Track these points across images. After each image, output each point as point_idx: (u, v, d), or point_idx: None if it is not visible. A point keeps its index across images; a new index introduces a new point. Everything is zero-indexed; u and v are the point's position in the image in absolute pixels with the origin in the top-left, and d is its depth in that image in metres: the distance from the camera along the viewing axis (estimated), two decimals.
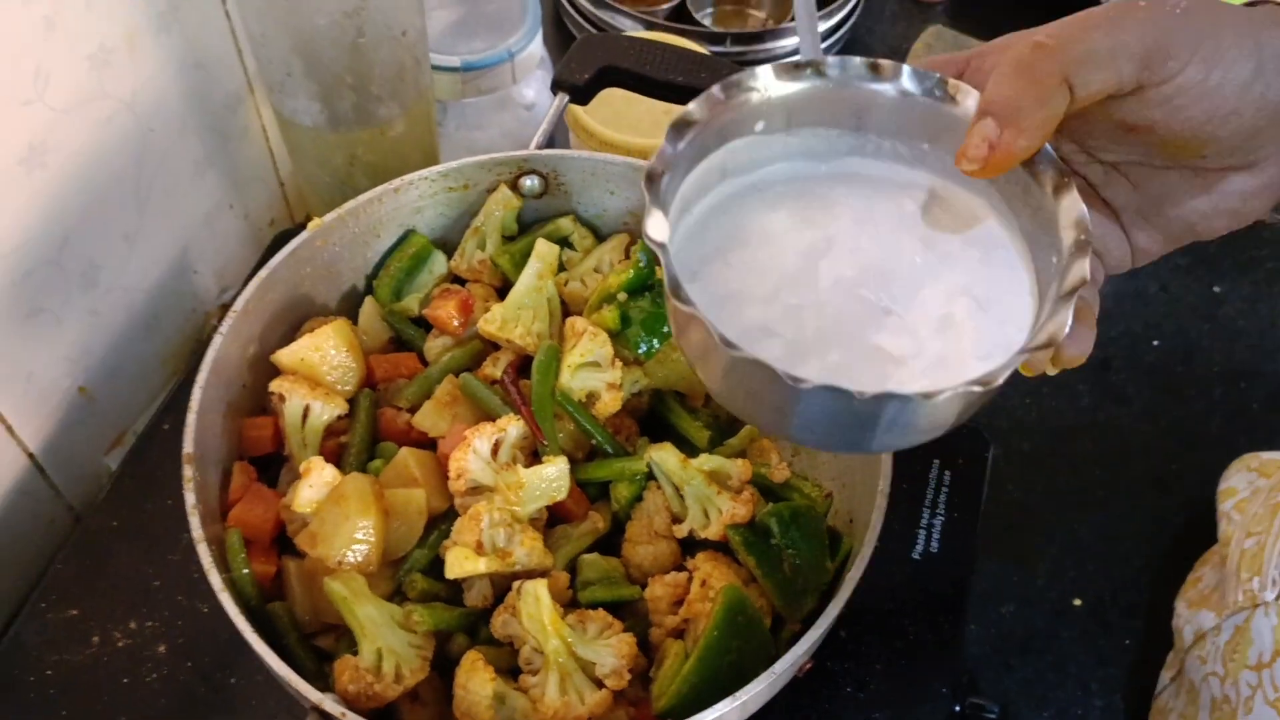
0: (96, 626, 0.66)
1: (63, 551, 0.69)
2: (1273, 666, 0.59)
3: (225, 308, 0.89)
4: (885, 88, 0.42)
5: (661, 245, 0.39)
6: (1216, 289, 0.94)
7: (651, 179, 0.40)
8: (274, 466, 0.63)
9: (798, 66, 0.43)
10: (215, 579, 0.51)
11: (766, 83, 0.42)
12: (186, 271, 0.84)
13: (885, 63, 0.42)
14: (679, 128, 0.41)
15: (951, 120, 0.42)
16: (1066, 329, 0.38)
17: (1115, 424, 0.86)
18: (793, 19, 1.04)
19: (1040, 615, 0.76)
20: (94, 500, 0.80)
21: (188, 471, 0.54)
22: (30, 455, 0.73)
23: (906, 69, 0.42)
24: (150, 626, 0.66)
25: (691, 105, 0.42)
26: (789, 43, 1.02)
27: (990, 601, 0.76)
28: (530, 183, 0.69)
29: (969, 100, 0.41)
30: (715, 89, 0.42)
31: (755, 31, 1.03)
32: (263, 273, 0.62)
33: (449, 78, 0.90)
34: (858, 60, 0.42)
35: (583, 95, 0.70)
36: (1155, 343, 0.91)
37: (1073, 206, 0.40)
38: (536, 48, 0.93)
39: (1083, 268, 0.38)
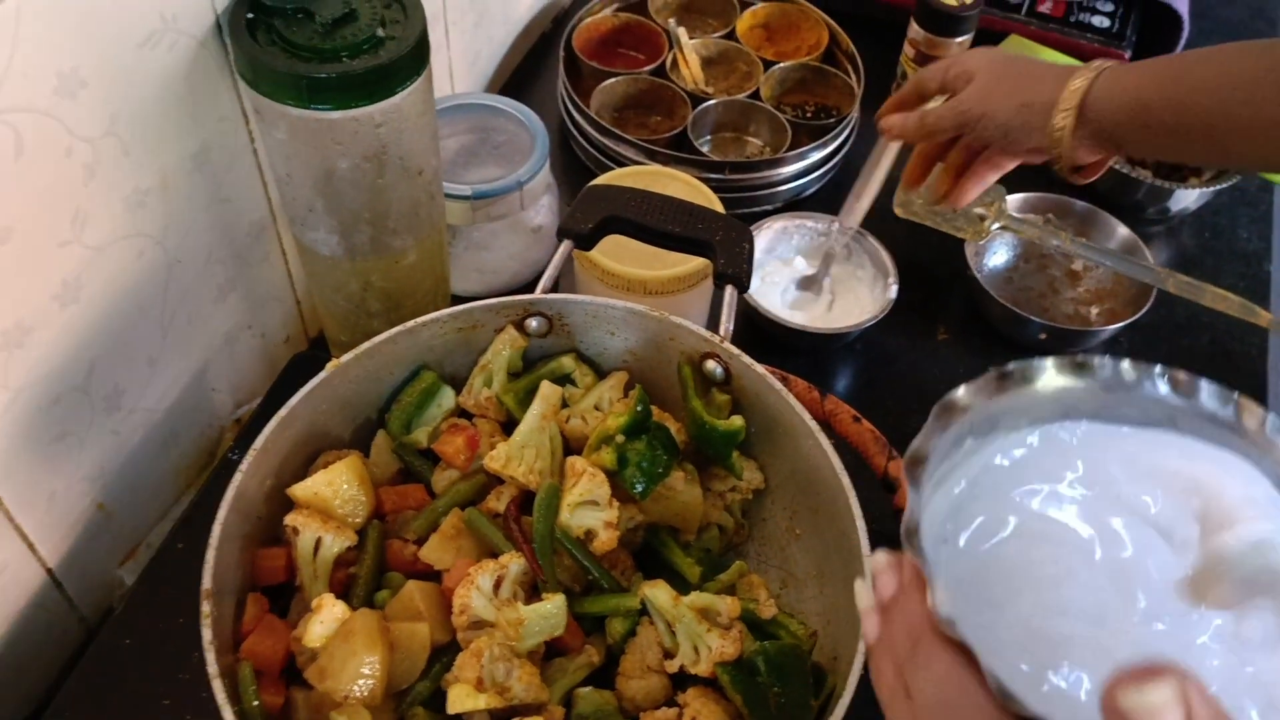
0: None
1: (77, 669, 0.72)
2: None
3: (239, 423, 0.93)
4: (1178, 401, 0.41)
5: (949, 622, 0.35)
6: None
7: (915, 464, 0.38)
8: (285, 595, 0.66)
9: (1082, 365, 0.41)
10: (228, 714, 0.53)
11: (1046, 376, 0.41)
12: (205, 390, 0.87)
13: (1182, 376, 0.41)
14: (947, 411, 0.40)
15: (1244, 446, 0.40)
16: None
17: None
18: (789, 146, 1.09)
19: None
20: (106, 612, 0.83)
21: (205, 608, 0.57)
22: (48, 571, 0.76)
23: (1204, 385, 0.41)
24: None
25: (962, 390, 0.41)
26: (785, 171, 1.08)
27: None
28: (535, 323, 0.73)
29: (1254, 420, 0.40)
30: (990, 375, 0.41)
31: (753, 160, 1.08)
32: (282, 411, 0.65)
33: (460, 205, 0.95)
34: (1155, 368, 0.41)
35: (587, 242, 0.74)
36: None
37: None
38: (544, 176, 0.98)
39: None
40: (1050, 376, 0.41)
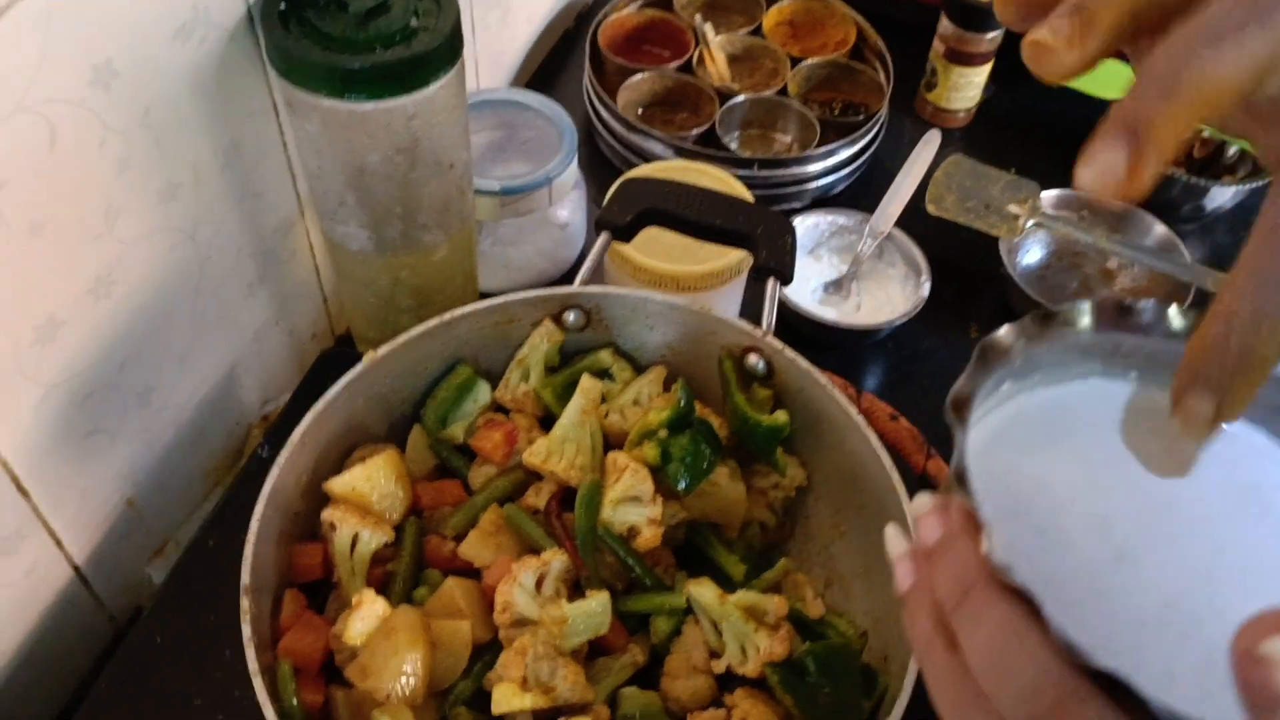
0: None
1: (108, 667, 0.71)
2: None
3: (266, 419, 0.92)
4: None
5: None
6: None
7: (959, 406, 0.37)
8: (321, 592, 0.65)
9: (1127, 309, 0.39)
10: (269, 712, 0.52)
11: (1088, 319, 0.39)
12: (234, 387, 0.86)
13: None
14: (989, 352, 0.38)
15: None
16: None
17: None
18: (817, 143, 1.08)
19: None
20: (134, 610, 0.82)
21: (245, 603, 0.56)
22: (76, 568, 0.75)
23: None
24: None
25: (1004, 330, 0.39)
26: (814, 168, 1.07)
27: None
28: (573, 317, 0.72)
29: None
30: (1034, 315, 0.39)
31: (781, 158, 1.07)
32: (319, 405, 0.64)
33: (489, 200, 0.94)
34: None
35: (625, 234, 0.73)
36: None
37: None
38: (572, 172, 0.97)
39: None
40: (1092, 320, 0.39)
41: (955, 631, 0.32)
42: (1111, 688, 0.30)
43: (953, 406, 0.37)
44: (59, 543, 0.73)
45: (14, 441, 0.66)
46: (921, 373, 0.99)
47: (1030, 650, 0.30)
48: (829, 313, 0.98)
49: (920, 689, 0.56)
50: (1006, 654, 0.30)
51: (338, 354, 0.93)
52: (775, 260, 0.69)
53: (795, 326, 0.97)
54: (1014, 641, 0.30)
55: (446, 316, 0.69)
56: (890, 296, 1.01)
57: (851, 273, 1.02)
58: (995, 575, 0.31)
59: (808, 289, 1.02)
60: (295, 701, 0.56)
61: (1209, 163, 1.10)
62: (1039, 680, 0.29)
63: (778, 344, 0.68)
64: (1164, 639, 0.34)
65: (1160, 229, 1.01)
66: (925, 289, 0.98)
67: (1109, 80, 1.14)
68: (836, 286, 1.02)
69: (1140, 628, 0.34)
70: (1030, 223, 0.99)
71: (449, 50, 0.72)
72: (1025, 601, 0.31)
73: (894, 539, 0.38)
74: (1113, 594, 0.35)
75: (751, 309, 0.89)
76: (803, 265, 1.03)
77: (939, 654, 0.33)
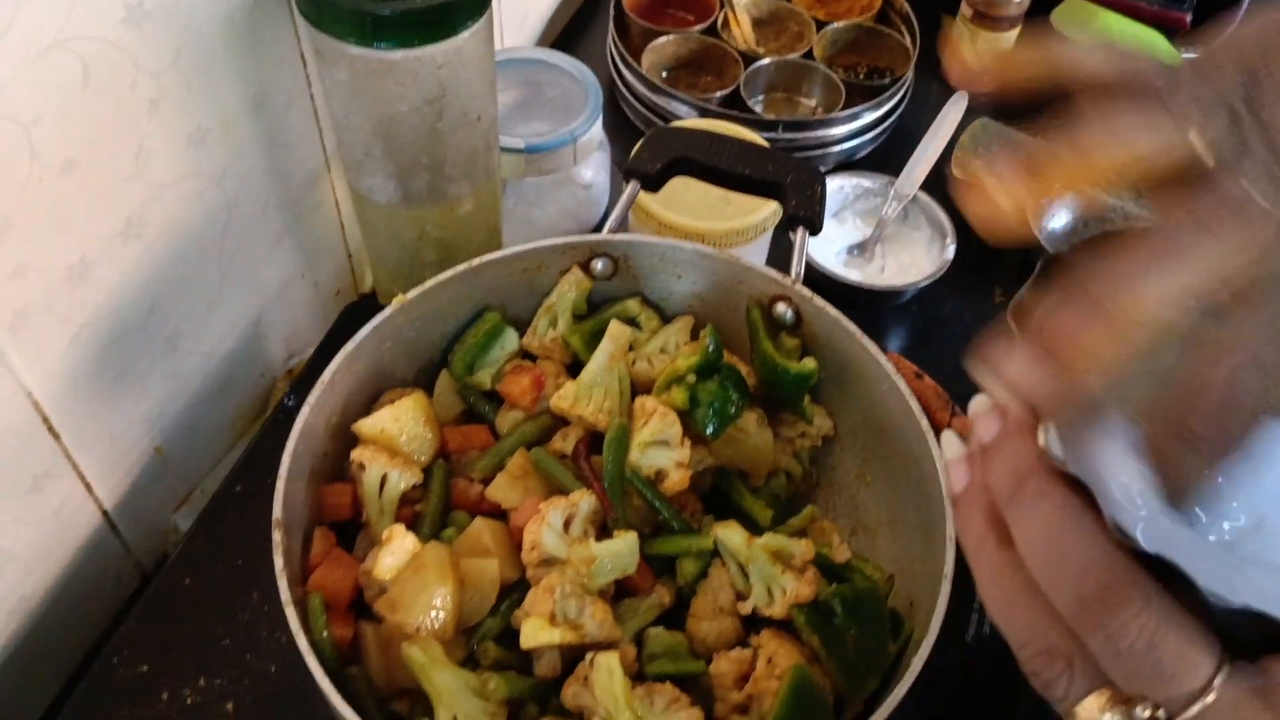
0: (166, 683, 0.67)
1: (135, 608, 0.71)
2: None
3: (291, 373, 0.92)
4: None
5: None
6: None
7: (1020, 314, 0.35)
8: (350, 533, 0.65)
9: None
10: (303, 641, 0.53)
11: None
12: (259, 338, 0.87)
13: None
14: (1051, 266, 0.36)
15: None
16: None
17: None
18: (842, 107, 1.08)
19: None
20: (160, 557, 0.82)
21: (277, 536, 0.56)
22: (105, 513, 0.76)
23: None
24: (219, 684, 0.67)
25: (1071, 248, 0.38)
26: (838, 131, 1.06)
27: None
28: (601, 265, 0.72)
29: None
30: (1097, 238, 0.37)
31: (805, 120, 1.07)
32: (349, 346, 0.64)
33: (513, 158, 0.94)
34: None
35: (654, 183, 0.73)
36: None
37: None
38: (597, 131, 0.97)
39: None
40: None
41: (1009, 522, 0.32)
42: (1162, 575, 0.30)
43: (1013, 314, 0.37)
44: (88, 486, 0.73)
45: (45, 381, 0.66)
46: (945, 336, 0.99)
47: (1083, 534, 0.30)
48: (853, 275, 0.98)
49: (946, 630, 0.57)
50: (1059, 538, 0.30)
51: (362, 309, 0.93)
52: (805, 209, 0.69)
53: (820, 288, 0.96)
54: (1067, 526, 0.30)
55: (475, 262, 0.69)
56: (915, 259, 1.01)
57: (876, 235, 1.01)
58: (1051, 466, 0.31)
59: (832, 252, 1.01)
60: (326, 634, 0.57)
61: None
62: (1090, 563, 0.30)
63: (806, 292, 0.68)
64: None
65: None
66: (950, 251, 0.97)
67: (1134, 44, 1.13)
68: (861, 249, 1.01)
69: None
70: (1057, 185, 0.98)
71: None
72: (1080, 490, 0.31)
73: (950, 443, 0.38)
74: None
75: (775, 267, 0.89)
76: (827, 228, 1.02)
77: (990, 550, 0.33)
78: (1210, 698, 0.29)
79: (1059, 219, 1.05)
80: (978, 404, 0.36)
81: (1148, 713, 0.30)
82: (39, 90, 0.58)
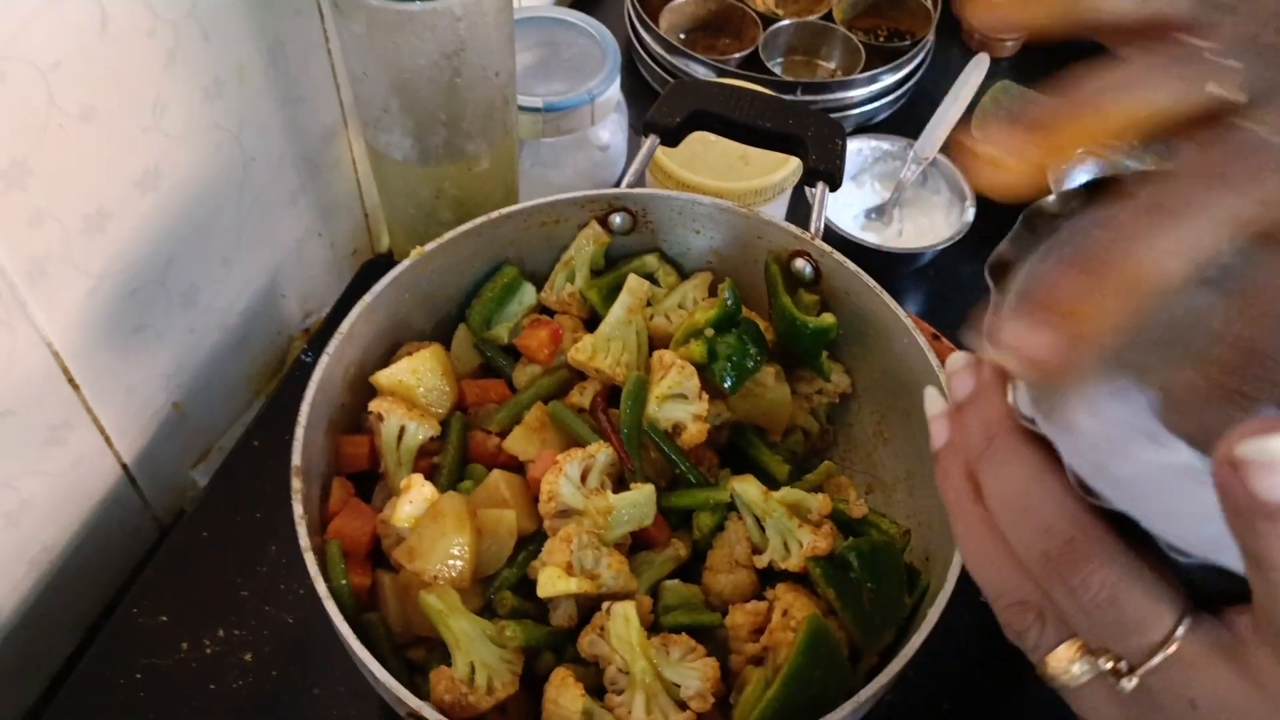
0: (186, 633, 0.68)
1: (154, 559, 0.72)
2: None
3: (308, 332, 0.92)
4: None
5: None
6: None
7: (998, 268, 0.37)
8: (368, 483, 0.65)
9: None
10: (321, 587, 0.53)
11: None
12: (275, 296, 0.87)
13: None
14: (1035, 218, 0.37)
15: None
16: None
17: None
18: (862, 70, 1.06)
19: None
20: (178, 513, 0.83)
21: (296, 484, 0.56)
22: (124, 466, 0.76)
23: None
24: (238, 635, 0.68)
25: (1053, 197, 0.38)
26: (857, 94, 1.05)
27: None
28: (619, 219, 0.71)
29: None
30: (1077, 190, 0.38)
31: (824, 81, 1.06)
32: (367, 297, 0.64)
33: (530, 118, 0.93)
34: None
35: (674, 137, 0.72)
36: None
37: None
38: (614, 91, 0.96)
39: None
40: None
41: (979, 479, 0.33)
42: (1124, 531, 0.30)
43: (991, 270, 0.37)
44: (107, 439, 0.74)
45: (64, 331, 0.66)
46: (963, 300, 0.97)
47: (1048, 491, 0.30)
48: (871, 237, 0.97)
49: (962, 584, 0.56)
50: (1025, 495, 0.31)
51: (379, 267, 0.93)
52: (825, 163, 0.68)
53: (838, 251, 0.96)
54: (1033, 483, 0.31)
55: (493, 215, 0.69)
56: (933, 223, 1.00)
57: (894, 199, 1.00)
58: (1019, 425, 0.31)
59: (850, 215, 1.01)
60: (344, 581, 0.57)
61: None
62: (1054, 519, 0.30)
63: (825, 247, 0.67)
64: (1180, 488, 0.33)
65: None
66: (969, 215, 0.96)
67: None
68: (879, 212, 1.01)
69: (1156, 480, 0.34)
70: (1078, 149, 0.97)
71: None
72: (1047, 449, 0.31)
73: (932, 400, 0.38)
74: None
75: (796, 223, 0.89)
76: (846, 191, 1.02)
77: (967, 504, 0.34)
78: (1171, 649, 0.29)
79: (1079, 181, 1.04)
80: (954, 361, 0.37)
81: (1111, 664, 0.30)
82: (58, 35, 0.58)
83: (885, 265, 0.97)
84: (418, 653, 0.59)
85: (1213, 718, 0.29)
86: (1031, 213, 0.38)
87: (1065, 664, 0.31)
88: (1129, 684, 0.30)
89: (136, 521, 0.79)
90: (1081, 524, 0.30)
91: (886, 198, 1.01)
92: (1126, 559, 0.30)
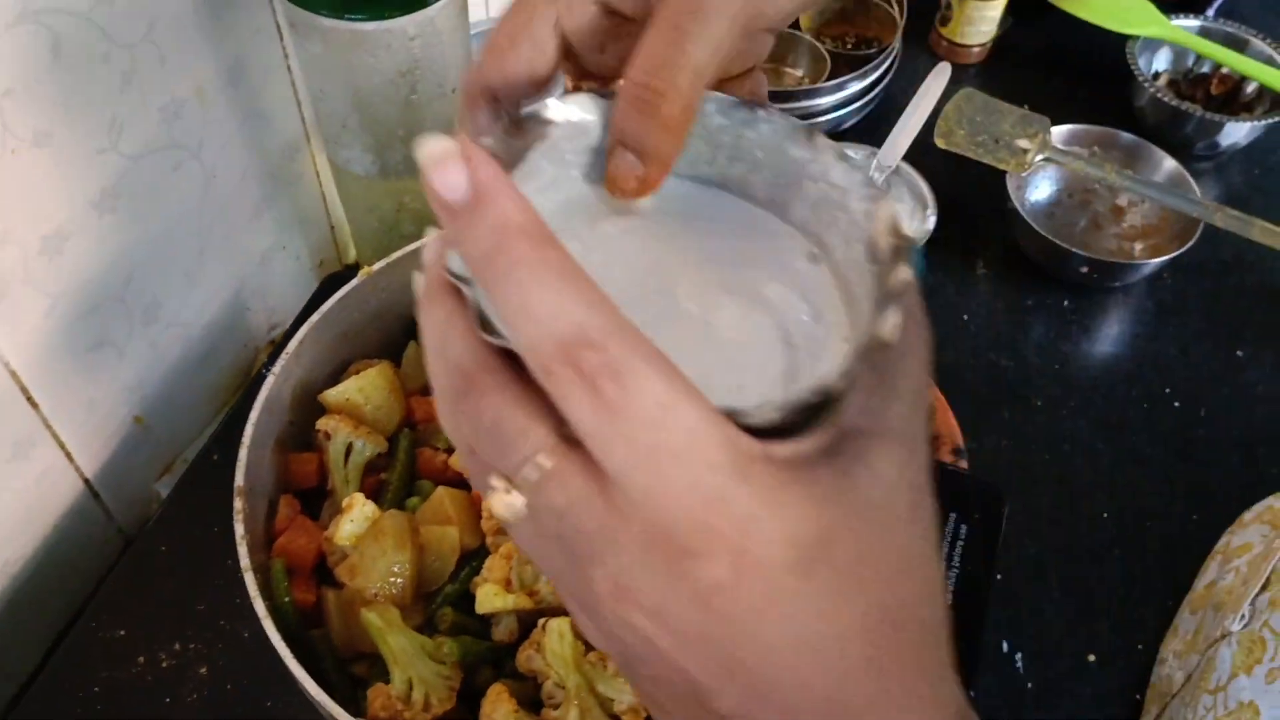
0: (143, 646, 0.69)
1: (113, 573, 0.73)
2: (1227, 689, 0.62)
3: (274, 344, 0.93)
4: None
5: None
6: (1238, 354, 0.95)
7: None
8: (316, 499, 0.66)
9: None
10: (260, 606, 0.54)
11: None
12: (240, 309, 0.88)
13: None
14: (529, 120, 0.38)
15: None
16: None
17: (1132, 483, 0.87)
18: (828, 78, 1.07)
19: (1055, 670, 0.78)
20: (144, 524, 0.84)
21: (238, 504, 0.57)
22: (86, 481, 0.77)
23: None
24: (193, 649, 0.69)
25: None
26: (824, 101, 1.06)
27: (1005, 654, 0.78)
28: None
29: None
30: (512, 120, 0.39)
31: (792, 90, 1.07)
32: (314, 317, 0.65)
33: None
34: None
35: None
36: (1175, 405, 0.92)
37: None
38: None
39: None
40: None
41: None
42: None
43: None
44: (68, 454, 0.75)
45: (22, 350, 0.67)
46: (925, 308, 0.99)
47: (456, 335, 0.31)
48: None
49: None
50: (440, 339, 0.32)
51: (346, 277, 0.94)
52: None
53: None
54: (447, 328, 0.32)
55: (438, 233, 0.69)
56: None
57: None
58: (447, 279, 0.33)
59: None
60: (287, 599, 0.58)
61: (1227, 99, 1.09)
62: (460, 357, 0.31)
63: None
64: None
65: (1171, 164, 1.00)
66: (931, 222, 0.97)
67: (1124, 14, 1.12)
68: None
69: None
70: (1040, 157, 0.98)
71: None
72: (459, 295, 0.32)
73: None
74: None
75: None
76: None
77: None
78: (545, 462, 0.29)
79: (1040, 190, 1.05)
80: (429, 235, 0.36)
81: (503, 485, 0.31)
82: (8, 62, 0.59)
83: None
84: (362, 668, 0.60)
85: (585, 543, 0.29)
86: (530, 114, 0.38)
87: (497, 503, 0.31)
88: (517, 502, 0.30)
89: (101, 534, 0.81)
90: (480, 361, 0.31)
91: None
92: (517, 388, 0.30)
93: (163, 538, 0.73)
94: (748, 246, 0.40)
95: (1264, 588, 0.68)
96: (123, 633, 0.70)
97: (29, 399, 0.70)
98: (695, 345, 0.36)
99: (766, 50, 0.42)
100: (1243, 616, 0.66)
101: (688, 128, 0.36)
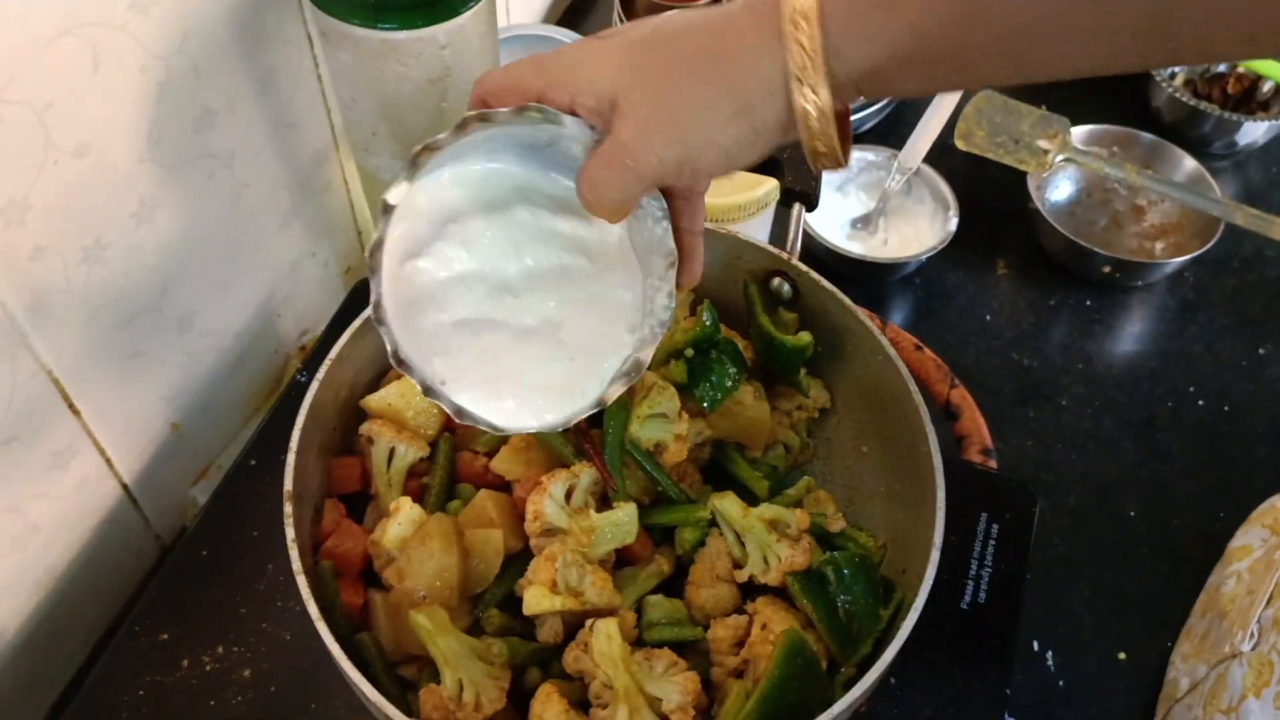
0: (186, 650, 0.70)
1: (155, 578, 0.74)
2: (1239, 710, 0.64)
3: (304, 350, 0.94)
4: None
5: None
6: (1261, 350, 0.96)
7: (423, 151, 0.51)
8: (359, 504, 0.67)
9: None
10: (313, 608, 0.55)
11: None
12: (271, 316, 0.89)
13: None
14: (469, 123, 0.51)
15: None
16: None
17: (1159, 481, 0.88)
18: None
19: (1086, 668, 0.79)
20: (179, 530, 0.85)
21: (288, 508, 0.58)
22: (125, 487, 0.78)
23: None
24: (236, 652, 0.70)
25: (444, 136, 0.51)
26: None
27: (1036, 652, 0.79)
28: None
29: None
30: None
31: None
32: (356, 322, 0.66)
33: None
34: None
35: None
36: (1200, 402, 0.93)
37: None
38: None
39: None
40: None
41: None
42: None
43: (417, 151, 0.50)
44: (108, 461, 0.76)
45: (64, 359, 0.68)
46: (948, 308, 1.00)
47: None
48: (856, 248, 0.99)
49: (935, 596, 0.58)
50: None
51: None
52: (802, 184, 0.70)
53: (822, 262, 0.97)
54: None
55: None
56: (918, 232, 1.01)
57: (879, 209, 1.02)
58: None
59: (835, 225, 1.02)
60: (336, 602, 0.59)
61: (1243, 98, 1.09)
62: None
63: (802, 266, 0.69)
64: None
65: (1191, 164, 1.01)
66: (953, 224, 0.98)
67: None
68: (864, 222, 1.02)
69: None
70: (1060, 158, 0.99)
71: None
72: None
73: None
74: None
75: (776, 241, 0.90)
76: (831, 202, 1.03)
77: None
78: None
79: (1060, 190, 1.06)
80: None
81: None
82: (51, 76, 0.60)
83: (871, 274, 0.99)
84: (410, 670, 0.61)
85: None
86: (471, 119, 0.50)
87: None
88: None
89: (138, 540, 0.82)
90: None
91: (872, 208, 1.03)
92: None
93: (204, 542, 0.74)
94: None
95: (1268, 603, 0.70)
96: (166, 636, 0.70)
97: (71, 406, 0.70)
98: None
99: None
100: (1251, 635, 0.68)
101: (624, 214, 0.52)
